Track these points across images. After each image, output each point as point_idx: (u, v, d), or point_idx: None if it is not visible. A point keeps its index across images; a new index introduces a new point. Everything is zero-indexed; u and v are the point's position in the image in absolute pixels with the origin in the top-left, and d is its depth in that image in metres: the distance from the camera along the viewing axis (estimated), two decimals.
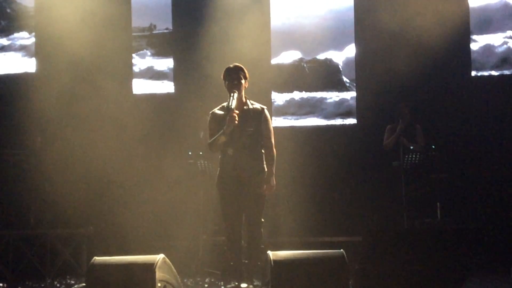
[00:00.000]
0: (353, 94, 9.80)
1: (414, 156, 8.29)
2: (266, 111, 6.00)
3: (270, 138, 5.94)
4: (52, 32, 9.68)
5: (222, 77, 5.99)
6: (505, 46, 9.53)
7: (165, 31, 10.18)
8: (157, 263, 4.89)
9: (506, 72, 9.55)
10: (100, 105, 9.35)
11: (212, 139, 5.88)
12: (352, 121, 9.80)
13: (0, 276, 7.87)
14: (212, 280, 7.20)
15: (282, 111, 9.90)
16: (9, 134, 9.25)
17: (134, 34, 10.13)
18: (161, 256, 5.01)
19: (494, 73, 9.55)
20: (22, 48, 10.24)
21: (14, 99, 9.55)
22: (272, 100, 9.85)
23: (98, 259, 5.00)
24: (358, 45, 9.80)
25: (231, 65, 5.97)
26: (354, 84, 9.79)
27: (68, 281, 7.50)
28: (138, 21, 10.21)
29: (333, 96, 9.85)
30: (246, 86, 5.97)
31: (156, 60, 10.19)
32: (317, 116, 9.84)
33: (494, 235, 8.13)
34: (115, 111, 9.32)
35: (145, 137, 9.47)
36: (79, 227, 8.19)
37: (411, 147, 8.36)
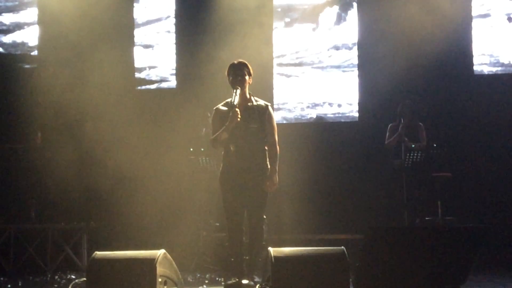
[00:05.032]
0: (355, 91, 9.79)
1: (415, 154, 8.28)
2: (270, 108, 6.00)
3: (273, 135, 5.93)
4: (55, 26, 9.69)
5: (226, 73, 5.99)
6: None
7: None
8: (158, 259, 4.90)
9: (509, 70, 9.55)
10: (102, 100, 9.34)
11: (215, 135, 5.88)
12: (353, 118, 9.80)
13: (1, 270, 7.88)
14: (213, 276, 7.19)
15: (284, 108, 9.91)
16: (10, 129, 9.26)
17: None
18: (162, 252, 5.02)
19: (496, 71, 9.56)
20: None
21: (15, 94, 9.55)
22: (274, 97, 9.84)
23: (99, 254, 5.01)
24: (360, 43, 9.79)
25: (236, 61, 5.97)
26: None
27: (69, 275, 7.50)
28: (141, 17, 10.24)
29: (334, 94, 9.86)
30: (250, 83, 5.97)
31: (157, 54, 10.20)
32: (319, 114, 9.84)
33: (496, 234, 8.12)
34: (117, 106, 9.31)
35: (146, 132, 9.47)
36: (80, 221, 8.20)
37: (413, 146, 8.36)
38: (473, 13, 9.58)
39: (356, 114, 9.78)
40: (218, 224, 8.09)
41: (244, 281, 5.80)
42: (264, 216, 6.06)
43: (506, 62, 9.57)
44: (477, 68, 9.58)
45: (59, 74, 9.57)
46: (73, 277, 7.35)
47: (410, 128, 8.52)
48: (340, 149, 9.58)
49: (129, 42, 10.13)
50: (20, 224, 8.06)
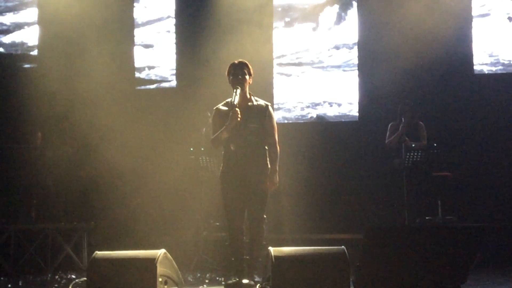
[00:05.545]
0: (355, 91, 9.79)
1: (415, 153, 8.28)
2: (270, 108, 6.00)
3: (273, 135, 5.94)
4: (55, 26, 9.70)
5: (226, 72, 5.99)
6: None
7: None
8: (158, 258, 4.91)
9: (509, 69, 9.55)
10: (102, 100, 9.33)
11: (215, 135, 5.89)
12: (354, 118, 9.80)
13: (1, 270, 7.88)
14: (213, 275, 7.19)
15: (284, 108, 9.91)
16: (10, 129, 9.25)
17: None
18: (162, 251, 5.02)
19: (496, 71, 9.56)
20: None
21: (15, 94, 9.55)
22: (274, 97, 9.85)
23: (99, 253, 5.01)
24: (360, 43, 9.80)
25: (236, 61, 5.98)
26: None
27: (69, 275, 7.49)
28: (141, 16, 10.25)
29: (335, 93, 9.87)
30: (251, 82, 5.98)
31: (157, 54, 10.21)
32: (319, 113, 9.85)
33: (495, 233, 8.12)
34: (117, 106, 9.31)
35: (147, 132, 9.47)
36: (80, 221, 8.20)
37: (413, 145, 8.36)
38: (473, 13, 9.58)
39: (356, 114, 9.78)
40: (218, 223, 8.10)
41: (245, 281, 5.80)
42: (265, 216, 6.06)
43: (506, 61, 9.57)
44: (477, 67, 9.57)
45: (59, 74, 9.56)
46: (74, 277, 7.34)
47: (410, 127, 8.52)
48: (340, 148, 9.58)
49: (129, 41, 10.13)
50: (20, 224, 8.05)
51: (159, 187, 9.10)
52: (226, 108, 5.89)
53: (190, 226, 8.32)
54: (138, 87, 10.16)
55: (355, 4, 9.86)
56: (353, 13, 9.86)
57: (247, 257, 6.00)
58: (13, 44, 10.32)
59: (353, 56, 9.84)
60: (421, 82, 9.31)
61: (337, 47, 9.91)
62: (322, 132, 9.70)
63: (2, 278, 7.40)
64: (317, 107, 9.88)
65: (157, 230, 8.92)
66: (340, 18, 9.93)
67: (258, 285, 5.52)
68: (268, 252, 4.98)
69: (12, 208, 8.27)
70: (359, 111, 9.76)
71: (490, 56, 9.58)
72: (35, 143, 8.69)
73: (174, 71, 10.14)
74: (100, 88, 9.33)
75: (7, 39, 10.32)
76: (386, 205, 8.89)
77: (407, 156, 8.27)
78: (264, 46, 9.52)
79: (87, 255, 7.91)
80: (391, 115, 8.80)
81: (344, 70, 9.87)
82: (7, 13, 10.35)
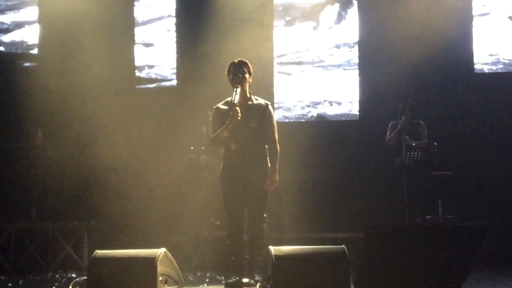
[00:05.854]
0: (355, 90, 9.79)
1: (416, 152, 8.28)
2: (270, 107, 6.01)
3: (273, 134, 5.94)
4: (55, 25, 9.70)
5: (226, 71, 5.99)
6: None
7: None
8: (158, 257, 4.91)
9: (509, 68, 9.55)
10: (102, 98, 9.33)
11: (215, 134, 5.89)
12: (354, 117, 9.79)
13: (1, 269, 7.88)
14: (213, 274, 7.19)
15: (284, 107, 9.90)
16: (10, 128, 9.25)
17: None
18: (162, 250, 5.03)
19: (496, 69, 9.55)
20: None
21: (15, 92, 9.55)
22: (275, 96, 9.84)
23: (99, 252, 5.02)
24: (361, 42, 9.79)
25: (236, 60, 5.98)
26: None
27: (70, 274, 7.49)
28: (141, 15, 10.24)
29: (335, 92, 9.86)
30: (250, 81, 5.99)
31: (157, 53, 10.20)
32: (320, 112, 9.84)
33: (496, 232, 8.12)
34: (117, 104, 9.31)
35: (147, 131, 9.47)
36: (80, 220, 8.20)
37: (413, 144, 8.36)
38: (474, 12, 9.57)
39: (357, 113, 9.78)
40: (218, 222, 8.09)
41: (245, 280, 5.81)
42: (265, 215, 6.07)
43: (506, 60, 9.56)
44: (477, 66, 9.57)
45: (59, 73, 9.55)
46: (74, 275, 7.34)
47: (411, 126, 8.52)
48: (341, 147, 9.58)
49: (130, 40, 10.13)
50: (20, 223, 8.06)
51: (159, 186, 9.10)
52: (226, 107, 5.89)
53: (190, 225, 8.31)
54: (138, 86, 10.16)
55: (355, 3, 9.86)
56: (353, 12, 9.86)
57: (248, 256, 6.00)
58: (13, 43, 10.31)
59: (354, 55, 9.84)
60: (421, 81, 9.31)
61: (337, 46, 9.90)
62: (323, 131, 9.69)
63: (2, 277, 7.40)
64: (317, 106, 9.87)
65: (158, 229, 8.92)
66: (340, 17, 9.92)
67: (259, 284, 5.52)
68: (269, 251, 4.99)
69: (13, 207, 8.28)
70: (360, 110, 9.76)
71: (491, 55, 9.57)
72: (35, 141, 8.69)
73: (175, 70, 10.14)
74: (100, 87, 9.33)
75: (7, 37, 10.32)
76: (386, 204, 8.89)
77: (408, 155, 8.27)
78: (264, 45, 9.52)
79: (87, 254, 7.91)
80: (391, 114, 8.79)
81: (344, 69, 9.86)
82: (8, 12, 10.35)
